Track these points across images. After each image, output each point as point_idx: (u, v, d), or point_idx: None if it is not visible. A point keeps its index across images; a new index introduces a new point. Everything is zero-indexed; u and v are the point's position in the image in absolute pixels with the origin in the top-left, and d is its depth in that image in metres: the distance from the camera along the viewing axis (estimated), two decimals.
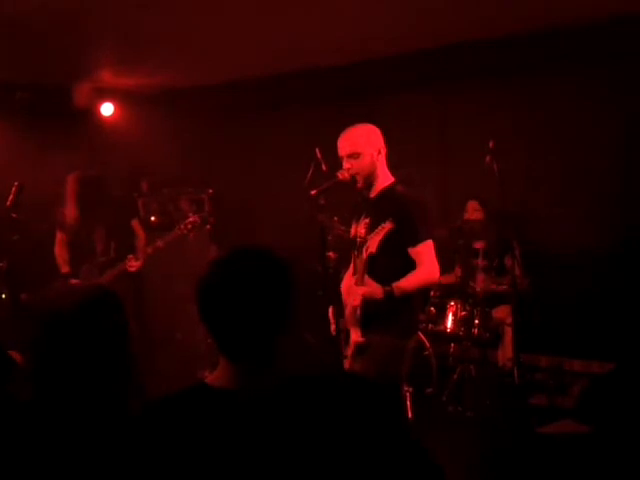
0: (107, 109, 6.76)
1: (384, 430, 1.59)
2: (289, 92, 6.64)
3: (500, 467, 4.09)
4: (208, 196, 6.67)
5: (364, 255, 3.31)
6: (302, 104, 6.66)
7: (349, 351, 3.42)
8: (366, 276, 3.32)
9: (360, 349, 3.36)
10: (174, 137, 6.55)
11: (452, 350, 5.29)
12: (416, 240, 3.31)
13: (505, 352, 5.09)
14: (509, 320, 5.02)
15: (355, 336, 3.38)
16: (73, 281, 4.65)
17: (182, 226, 4.73)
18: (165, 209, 6.53)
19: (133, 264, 4.61)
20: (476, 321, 5.13)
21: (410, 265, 3.34)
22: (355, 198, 3.66)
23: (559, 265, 5.38)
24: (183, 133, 6.68)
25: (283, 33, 5.10)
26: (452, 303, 5.26)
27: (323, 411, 1.58)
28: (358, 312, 3.37)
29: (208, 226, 6.52)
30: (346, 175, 3.48)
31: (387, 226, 3.24)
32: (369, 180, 3.47)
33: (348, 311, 3.45)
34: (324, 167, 4.27)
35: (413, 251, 3.32)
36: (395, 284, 3.27)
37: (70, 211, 4.69)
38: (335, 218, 5.27)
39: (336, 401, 1.59)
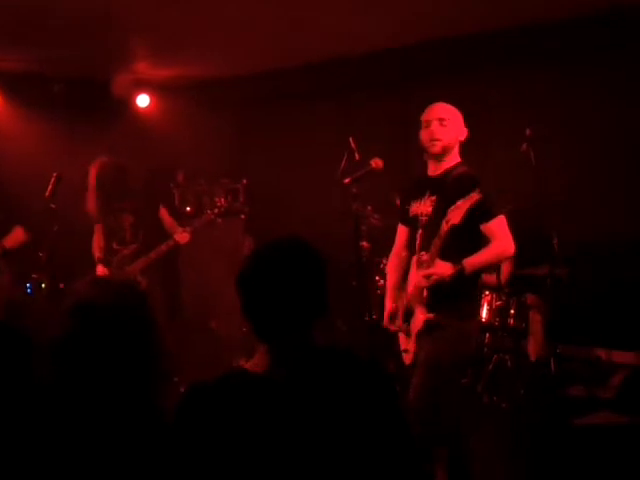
0: (143, 100, 6.83)
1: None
2: (322, 81, 6.62)
3: (535, 458, 4.05)
4: (242, 186, 6.71)
5: (444, 228, 3.13)
6: (335, 93, 6.64)
7: (414, 330, 3.34)
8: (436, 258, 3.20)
9: (430, 327, 3.27)
10: (209, 128, 6.59)
11: (487, 340, 5.23)
12: (490, 215, 3.24)
13: (536, 340, 5.04)
14: (541, 309, 4.96)
15: (422, 315, 3.30)
16: (101, 268, 4.73)
17: (210, 211, 4.80)
18: (200, 199, 6.57)
19: (185, 235, 4.67)
20: (512, 311, 5.07)
21: (483, 242, 3.29)
22: (386, 188, 3.64)
23: (594, 254, 5.28)
24: (217, 124, 6.72)
25: (317, 21, 5.08)
26: (487, 293, 5.20)
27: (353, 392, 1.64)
28: (425, 292, 3.29)
29: (242, 216, 6.58)
30: (379, 164, 3.47)
31: (474, 196, 3.08)
32: (444, 151, 3.39)
33: (412, 289, 3.38)
34: (357, 156, 4.25)
35: (486, 227, 3.25)
36: (466, 260, 3.19)
37: (90, 199, 4.78)
38: (369, 207, 5.25)
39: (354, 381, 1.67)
